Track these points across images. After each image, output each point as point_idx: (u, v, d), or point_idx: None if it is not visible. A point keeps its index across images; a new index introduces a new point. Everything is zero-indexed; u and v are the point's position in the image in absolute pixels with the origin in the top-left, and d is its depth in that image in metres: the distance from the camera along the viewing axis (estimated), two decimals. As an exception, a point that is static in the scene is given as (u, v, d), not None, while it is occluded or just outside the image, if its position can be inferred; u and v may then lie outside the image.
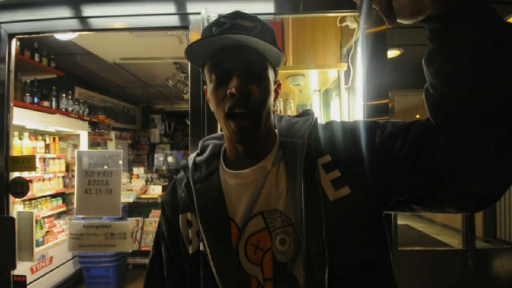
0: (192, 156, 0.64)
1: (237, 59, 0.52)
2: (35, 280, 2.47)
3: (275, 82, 0.60)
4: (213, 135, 0.69)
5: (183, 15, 1.38)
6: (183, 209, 0.59)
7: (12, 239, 1.29)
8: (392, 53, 2.43)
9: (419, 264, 2.81)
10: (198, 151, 0.65)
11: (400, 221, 5.01)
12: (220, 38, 0.51)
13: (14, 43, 1.41)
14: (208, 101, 0.59)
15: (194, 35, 1.33)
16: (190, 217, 0.57)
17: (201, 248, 0.54)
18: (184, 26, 1.37)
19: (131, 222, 3.00)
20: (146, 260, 0.58)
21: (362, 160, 0.52)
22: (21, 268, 1.40)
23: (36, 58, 2.79)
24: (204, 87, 0.59)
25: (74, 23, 1.44)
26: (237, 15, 0.55)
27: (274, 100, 0.58)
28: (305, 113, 0.64)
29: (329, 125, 0.60)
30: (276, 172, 0.55)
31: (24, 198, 2.60)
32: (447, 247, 3.59)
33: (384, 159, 0.49)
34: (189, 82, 1.34)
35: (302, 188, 0.50)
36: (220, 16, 0.56)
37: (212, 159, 0.62)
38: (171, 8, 1.39)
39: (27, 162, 1.32)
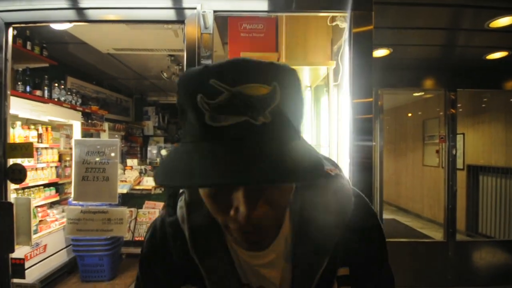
0: (182, 212, 0.46)
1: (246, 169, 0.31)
2: (29, 267, 2.50)
3: None
4: None
5: (179, 10, 1.41)
6: (185, 280, 0.46)
7: (10, 224, 1.33)
8: (381, 52, 2.50)
9: (403, 255, 2.96)
10: (186, 198, 0.47)
11: (387, 216, 5.18)
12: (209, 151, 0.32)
13: (11, 32, 1.43)
14: None
15: (190, 30, 1.38)
16: None
17: None
18: (180, 20, 1.41)
19: (124, 212, 3.05)
20: (139, 250, 0.50)
21: (370, 277, 0.48)
22: (16, 255, 1.45)
23: (28, 46, 2.76)
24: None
25: (71, 13, 1.46)
26: (239, 72, 0.32)
27: None
28: (342, 195, 0.46)
29: (366, 229, 0.48)
30: (286, 256, 0.46)
31: (17, 187, 2.61)
32: (430, 239, 3.75)
33: None
34: (184, 75, 1.39)
35: None
36: (208, 70, 0.32)
37: (215, 224, 0.44)
38: (167, 2, 1.42)
39: (25, 149, 1.35)
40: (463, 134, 4.35)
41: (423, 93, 4.43)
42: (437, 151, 4.84)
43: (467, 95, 4.09)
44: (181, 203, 0.47)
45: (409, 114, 5.78)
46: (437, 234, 4.09)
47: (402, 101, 5.74)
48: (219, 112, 0.31)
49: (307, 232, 0.44)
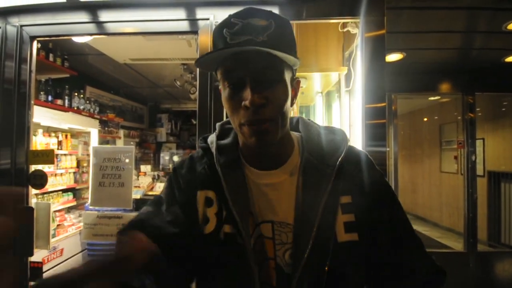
0: (212, 139, 0.63)
1: (249, 66, 0.50)
2: (46, 270, 2.58)
3: (293, 80, 0.57)
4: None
5: (193, 21, 1.45)
6: (203, 186, 0.59)
7: (31, 228, 1.38)
8: (394, 57, 2.47)
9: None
10: (217, 133, 0.64)
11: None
12: (228, 50, 0.49)
13: (35, 45, 1.51)
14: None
15: (203, 40, 1.41)
16: (211, 195, 0.57)
17: (228, 230, 0.54)
18: (194, 31, 1.45)
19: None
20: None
21: (376, 220, 0.55)
22: (34, 258, 1.49)
23: (51, 58, 2.90)
24: (220, 87, 0.57)
25: (91, 27, 1.53)
26: (249, 12, 0.52)
27: (293, 100, 0.57)
28: (337, 133, 0.62)
29: (362, 160, 0.59)
30: (292, 185, 0.56)
31: (37, 192, 2.72)
32: (450, 249, 3.59)
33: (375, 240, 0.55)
34: (197, 83, 1.42)
35: (316, 224, 0.51)
36: (231, 15, 0.52)
37: (234, 147, 0.62)
38: (181, 14, 1.47)
39: (46, 156, 1.41)
40: (483, 139, 4.18)
41: (439, 97, 4.32)
42: (455, 157, 4.67)
43: (486, 99, 3.94)
44: (211, 136, 0.65)
45: (425, 119, 5.63)
46: (456, 244, 3.90)
47: (417, 106, 5.59)
48: (235, 34, 0.50)
49: (312, 163, 0.57)
